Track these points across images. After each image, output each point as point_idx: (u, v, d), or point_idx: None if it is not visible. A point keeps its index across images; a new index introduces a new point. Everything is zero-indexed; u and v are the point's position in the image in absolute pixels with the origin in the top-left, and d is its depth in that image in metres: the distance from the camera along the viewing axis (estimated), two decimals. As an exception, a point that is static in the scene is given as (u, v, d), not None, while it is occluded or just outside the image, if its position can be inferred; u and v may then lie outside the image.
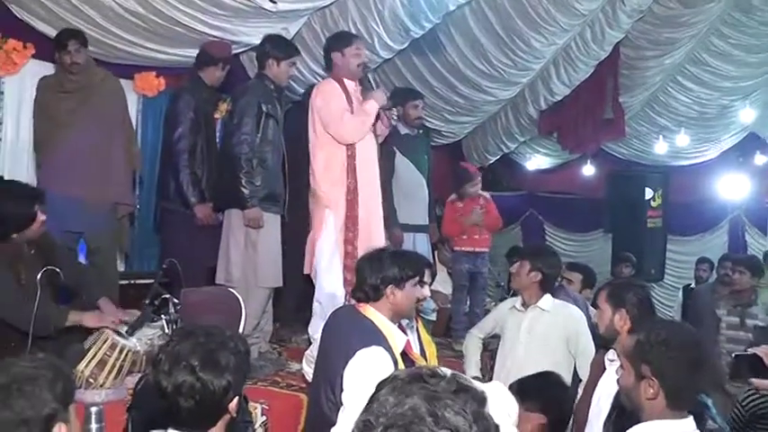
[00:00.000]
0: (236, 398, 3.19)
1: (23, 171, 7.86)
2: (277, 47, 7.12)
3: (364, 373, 4.36)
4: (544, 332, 6.02)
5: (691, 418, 3.51)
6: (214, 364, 3.07)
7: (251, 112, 6.76)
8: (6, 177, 7.16)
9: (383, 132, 7.34)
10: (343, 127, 6.88)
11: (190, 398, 3.05)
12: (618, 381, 3.71)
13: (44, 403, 2.77)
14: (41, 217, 5.60)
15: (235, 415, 3.24)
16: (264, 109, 6.83)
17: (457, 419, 1.93)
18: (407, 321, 5.52)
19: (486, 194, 9.59)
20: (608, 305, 4.89)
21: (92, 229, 7.35)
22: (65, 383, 2.88)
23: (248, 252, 6.83)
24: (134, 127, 8.50)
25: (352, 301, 6.23)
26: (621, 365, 3.66)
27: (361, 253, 6.56)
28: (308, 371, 6.16)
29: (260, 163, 6.81)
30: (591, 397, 4.97)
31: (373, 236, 6.82)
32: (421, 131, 9.28)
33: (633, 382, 3.51)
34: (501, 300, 9.50)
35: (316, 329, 6.66)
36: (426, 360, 5.36)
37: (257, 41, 7.51)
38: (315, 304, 6.98)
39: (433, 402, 1.94)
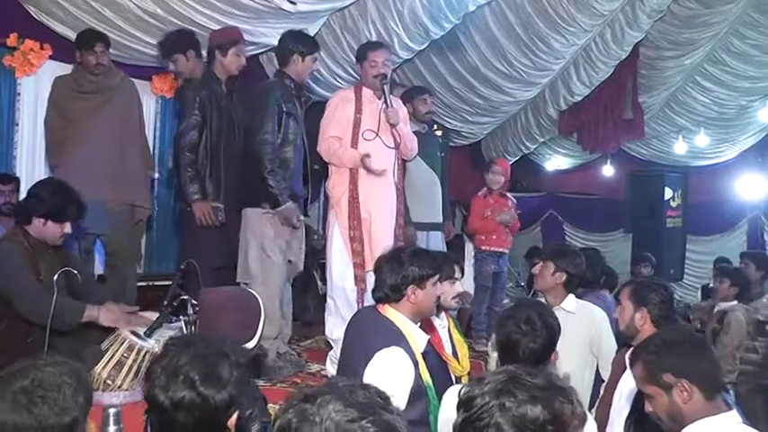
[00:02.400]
0: (236, 412, 3.07)
1: (40, 172, 7.87)
2: (301, 42, 7.10)
3: (383, 375, 4.33)
4: (569, 333, 5.92)
5: (734, 411, 3.54)
6: (215, 378, 2.95)
7: (271, 111, 6.74)
8: (23, 178, 7.26)
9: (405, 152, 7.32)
10: (320, 143, 7.06)
11: (189, 413, 2.92)
12: (653, 413, 3.66)
13: (66, 412, 2.75)
14: (66, 228, 5.68)
15: (233, 431, 3.12)
16: (285, 108, 6.81)
17: None
18: (439, 321, 5.51)
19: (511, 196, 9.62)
20: (630, 302, 4.93)
21: (110, 231, 7.37)
22: (86, 392, 2.86)
23: (264, 248, 6.83)
24: (153, 128, 8.53)
25: (365, 299, 6.28)
26: (646, 398, 3.65)
27: (367, 252, 6.67)
28: (332, 371, 6.18)
29: (281, 163, 6.81)
30: (612, 396, 4.97)
31: (376, 235, 6.82)
32: (436, 130, 9.23)
33: (667, 399, 3.51)
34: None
35: (332, 329, 6.72)
36: (458, 360, 5.37)
37: (276, 42, 7.44)
38: (328, 301, 7.05)
39: None
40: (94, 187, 6.93)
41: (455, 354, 5.46)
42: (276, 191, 6.67)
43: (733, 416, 3.50)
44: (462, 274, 5.97)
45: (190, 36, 7.52)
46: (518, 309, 4.46)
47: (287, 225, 6.78)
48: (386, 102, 6.92)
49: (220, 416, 2.98)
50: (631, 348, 4.89)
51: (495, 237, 9.22)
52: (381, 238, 6.76)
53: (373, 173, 6.88)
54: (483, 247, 9.21)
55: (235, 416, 3.05)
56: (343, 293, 6.80)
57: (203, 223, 6.95)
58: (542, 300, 6.24)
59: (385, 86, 6.94)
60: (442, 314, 5.60)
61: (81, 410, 2.80)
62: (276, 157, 6.76)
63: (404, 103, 7.85)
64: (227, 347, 3.09)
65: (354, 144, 6.94)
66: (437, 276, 4.86)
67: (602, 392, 5.68)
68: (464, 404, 2.57)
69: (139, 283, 7.93)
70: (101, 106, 7.41)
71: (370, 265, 6.32)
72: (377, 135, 6.91)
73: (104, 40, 7.33)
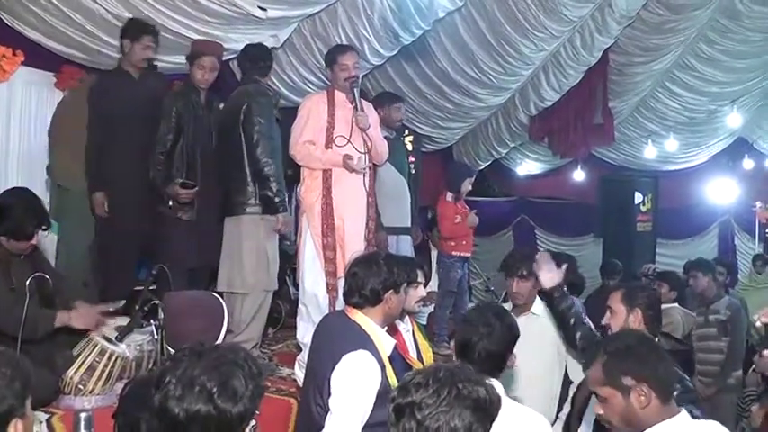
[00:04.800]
0: (249, 426, 2.95)
1: (13, 179, 7.81)
2: (270, 55, 7.18)
3: (351, 378, 4.39)
4: (538, 335, 5.97)
5: (684, 410, 3.58)
6: (232, 391, 2.81)
7: (272, 118, 6.85)
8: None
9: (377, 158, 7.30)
10: (293, 147, 6.95)
11: (204, 427, 2.78)
12: (602, 416, 3.68)
13: (1, 400, 2.72)
14: (33, 241, 5.61)
15: None
16: (275, 115, 6.89)
17: None
18: (404, 325, 5.54)
19: None
20: (623, 306, 4.94)
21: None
22: (23, 380, 2.82)
23: (263, 257, 6.89)
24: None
25: (337, 305, 6.28)
26: (599, 400, 3.66)
27: (339, 259, 6.65)
28: (300, 375, 6.19)
29: None
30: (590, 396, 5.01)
31: (348, 242, 6.77)
32: (407, 135, 9.21)
33: (623, 402, 3.52)
34: (490, 305, 9.53)
35: (304, 334, 6.71)
36: (423, 364, 5.38)
37: (246, 49, 7.51)
38: (300, 307, 7.01)
39: None
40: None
41: (420, 358, 5.49)
42: (279, 198, 6.81)
43: (684, 416, 3.55)
44: (427, 279, 6.02)
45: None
46: (478, 310, 4.52)
47: (283, 231, 6.81)
48: (356, 105, 6.93)
49: (234, 429, 2.87)
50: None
51: (464, 242, 9.23)
52: (353, 245, 6.70)
53: (356, 172, 6.85)
54: (453, 253, 9.21)
55: (248, 428, 2.96)
56: (315, 300, 6.77)
57: (185, 201, 7.04)
58: (510, 303, 6.30)
59: (355, 90, 6.93)
60: (407, 318, 5.62)
61: (18, 398, 2.78)
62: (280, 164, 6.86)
63: (376, 109, 7.87)
64: (241, 357, 2.97)
65: (327, 149, 6.90)
66: (409, 282, 4.96)
67: (571, 394, 5.79)
68: (415, 406, 2.65)
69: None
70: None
71: (341, 272, 6.32)
72: (348, 141, 6.85)
73: None
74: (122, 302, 5.94)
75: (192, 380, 2.79)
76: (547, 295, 5.63)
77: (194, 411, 2.76)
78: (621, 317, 4.92)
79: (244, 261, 6.86)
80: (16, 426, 2.73)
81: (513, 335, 4.36)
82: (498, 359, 4.28)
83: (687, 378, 4.57)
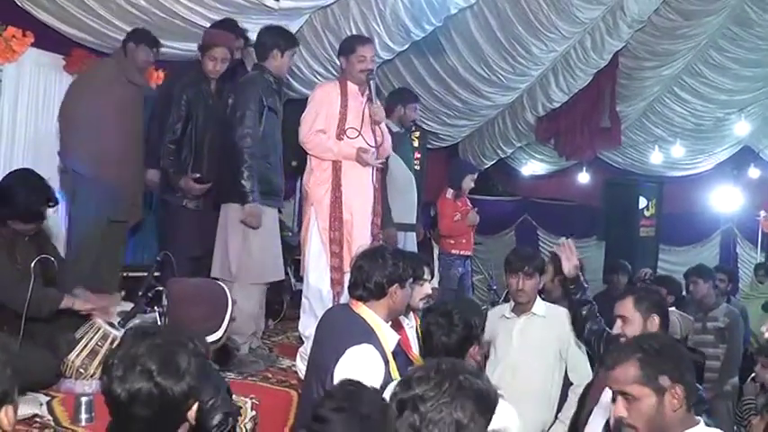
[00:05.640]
0: (196, 404, 2.94)
1: (19, 159, 7.79)
2: (280, 37, 7.00)
3: (354, 371, 4.37)
4: (538, 335, 5.98)
5: (702, 421, 3.50)
6: (173, 368, 2.81)
7: (253, 106, 6.65)
8: (3, 165, 7.22)
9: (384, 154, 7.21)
10: (305, 135, 6.83)
11: (146, 407, 2.78)
12: (626, 420, 3.45)
13: None
14: (45, 218, 5.64)
15: (194, 423, 2.98)
16: (266, 103, 6.72)
17: None
18: (407, 321, 5.54)
19: None
20: (638, 313, 4.84)
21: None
22: (14, 365, 2.79)
23: (247, 247, 6.73)
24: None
25: (341, 300, 6.25)
26: (628, 399, 3.44)
27: (346, 254, 6.59)
28: (302, 368, 6.17)
29: (263, 157, 6.71)
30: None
31: (355, 238, 6.68)
32: (414, 131, 9.17)
33: (656, 403, 3.38)
34: (492, 303, 9.52)
35: (306, 326, 6.68)
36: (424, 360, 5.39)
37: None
38: (303, 300, 6.96)
39: None
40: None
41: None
42: (248, 187, 6.54)
43: (702, 426, 3.48)
44: (432, 276, 6.01)
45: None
46: (443, 304, 4.58)
47: (249, 224, 6.68)
48: (370, 98, 6.84)
49: (179, 407, 2.87)
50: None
51: (464, 241, 9.24)
52: (360, 239, 6.63)
53: (371, 166, 6.80)
54: (452, 251, 9.21)
55: (195, 407, 2.94)
56: (319, 295, 6.73)
57: (196, 195, 7.12)
58: (509, 306, 6.30)
59: (371, 82, 6.86)
60: (410, 314, 5.64)
61: (9, 384, 2.74)
62: (257, 152, 6.66)
63: (393, 105, 7.83)
64: (186, 336, 2.98)
65: (339, 140, 6.80)
66: (414, 277, 4.97)
67: (571, 396, 5.79)
68: (418, 399, 2.67)
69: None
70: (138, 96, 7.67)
71: (347, 267, 6.26)
72: (359, 134, 6.76)
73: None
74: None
75: (134, 360, 2.81)
76: (565, 283, 5.80)
77: (135, 390, 2.77)
78: (637, 324, 4.81)
79: (229, 249, 6.76)
80: (7, 412, 2.70)
81: (470, 330, 4.53)
82: (454, 352, 4.37)
83: (700, 388, 4.52)
